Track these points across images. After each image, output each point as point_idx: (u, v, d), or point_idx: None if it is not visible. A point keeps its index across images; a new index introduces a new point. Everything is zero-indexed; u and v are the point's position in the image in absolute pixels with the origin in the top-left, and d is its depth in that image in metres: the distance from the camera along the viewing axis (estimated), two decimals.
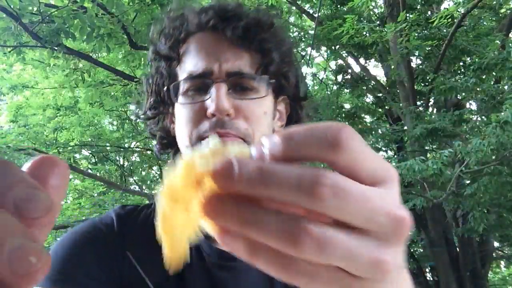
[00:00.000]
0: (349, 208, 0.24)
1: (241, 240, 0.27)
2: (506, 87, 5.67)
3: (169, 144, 0.78)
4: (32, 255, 0.21)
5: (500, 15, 7.15)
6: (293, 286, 0.74)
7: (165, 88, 0.74)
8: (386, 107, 7.46)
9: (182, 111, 0.71)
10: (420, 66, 7.23)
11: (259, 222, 0.25)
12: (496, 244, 8.43)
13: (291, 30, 6.98)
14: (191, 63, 0.70)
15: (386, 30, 5.25)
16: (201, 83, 0.69)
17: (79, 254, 0.67)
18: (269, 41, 0.72)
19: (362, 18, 6.24)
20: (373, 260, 0.25)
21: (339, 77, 8.41)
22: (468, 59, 6.56)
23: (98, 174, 8.91)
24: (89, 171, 8.90)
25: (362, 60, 7.97)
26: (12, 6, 3.85)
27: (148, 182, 10.14)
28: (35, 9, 4.01)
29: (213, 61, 0.68)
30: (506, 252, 9.59)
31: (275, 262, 0.26)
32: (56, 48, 4.29)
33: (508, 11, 6.83)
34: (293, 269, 0.26)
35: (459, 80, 5.43)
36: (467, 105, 7.16)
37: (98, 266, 0.67)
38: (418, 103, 6.39)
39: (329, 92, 7.87)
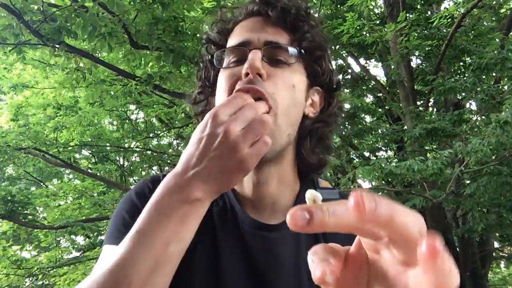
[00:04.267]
0: None
1: None
2: (506, 87, 5.68)
3: None
4: None
5: (500, 15, 7.15)
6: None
7: (212, 72, 0.83)
8: (386, 107, 7.46)
9: (221, 80, 0.77)
10: (420, 66, 7.23)
11: None
12: (496, 244, 8.43)
13: None
14: (233, 40, 0.79)
15: (386, 29, 5.25)
16: (241, 54, 0.76)
17: (134, 212, 0.74)
18: (304, 22, 0.80)
19: (362, 18, 6.24)
20: None
21: (339, 77, 8.40)
22: (468, 59, 6.56)
23: (98, 174, 8.90)
24: (89, 171, 8.90)
25: (362, 60, 7.98)
26: (14, 4, 3.86)
27: None
28: (36, 7, 4.01)
29: (253, 34, 0.77)
30: (506, 252, 9.59)
31: None
32: (57, 46, 4.29)
33: (508, 11, 6.83)
34: None
35: (459, 80, 5.44)
36: (467, 105, 7.16)
37: None
38: (418, 103, 6.39)
39: None
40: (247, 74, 0.71)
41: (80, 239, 9.28)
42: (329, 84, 0.85)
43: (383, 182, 6.45)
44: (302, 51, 0.78)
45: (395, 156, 7.31)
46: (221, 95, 0.76)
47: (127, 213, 0.76)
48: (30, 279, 8.70)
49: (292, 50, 0.77)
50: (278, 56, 0.76)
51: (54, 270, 8.43)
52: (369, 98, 8.33)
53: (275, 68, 0.74)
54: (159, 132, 9.37)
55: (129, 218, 0.74)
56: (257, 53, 0.73)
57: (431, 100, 6.97)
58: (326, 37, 0.85)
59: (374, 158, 6.74)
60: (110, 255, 0.69)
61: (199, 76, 0.86)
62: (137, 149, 8.78)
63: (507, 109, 4.22)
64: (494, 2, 6.86)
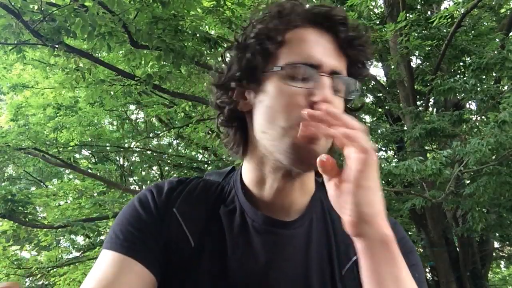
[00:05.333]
0: None
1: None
2: (505, 87, 5.67)
3: (236, 118, 0.83)
4: None
5: (500, 15, 7.15)
6: (326, 262, 0.81)
7: (260, 64, 0.77)
8: (386, 107, 7.46)
9: (282, 93, 0.74)
10: (420, 66, 7.23)
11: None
12: (496, 244, 8.44)
13: None
14: (304, 52, 0.75)
15: (386, 29, 5.25)
16: (307, 72, 0.74)
17: (135, 221, 0.79)
18: (365, 55, 0.80)
19: (362, 18, 6.24)
20: None
21: (364, 98, 8.42)
22: (468, 59, 6.57)
23: (98, 174, 8.90)
24: (89, 171, 8.90)
25: None
26: (13, 4, 3.85)
27: (148, 182, 10.14)
28: (36, 7, 4.01)
29: (324, 56, 0.75)
30: (506, 252, 9.60)
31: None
32: (57, 46, 4.28)
33: (508, 11, 6.83)
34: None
35: (459, 81, 5.43)
36: (467, 105, 7.17)
37: (153, 225, 0.78)
38: (418, 103, 6.40)
39: None
40: (315, 102, 0.71)
41: (80, 239, 9.29)
42: (352, 103, 0.86)
43: (383, 182, 6.46)
44: (359, 89, 0.78)
45: (395, 156, 7.31)
46: (283, 109, 0.73)
47: (128, 221, 0.78)
48: (30, 279, 8.71)
49: (355, 85, 0.77)
50: (337, 85, 0.75)
51: (54, 270, 8.43)
52: (369, 98, 8.34)
53: (332, 95, 0.74)
54: (159, 132, 9.37)
55: (129, 227, 0.77)
56: (329, 81, 0.73)
57: (431, 100, 6.98)
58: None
59: None
60: (105, 260, 0.73)
61: (240, 63, 0.79)
62: (137, 149, 8.78)
63: (505, 109, 4.23)
64: (494, 2, 6.86)
